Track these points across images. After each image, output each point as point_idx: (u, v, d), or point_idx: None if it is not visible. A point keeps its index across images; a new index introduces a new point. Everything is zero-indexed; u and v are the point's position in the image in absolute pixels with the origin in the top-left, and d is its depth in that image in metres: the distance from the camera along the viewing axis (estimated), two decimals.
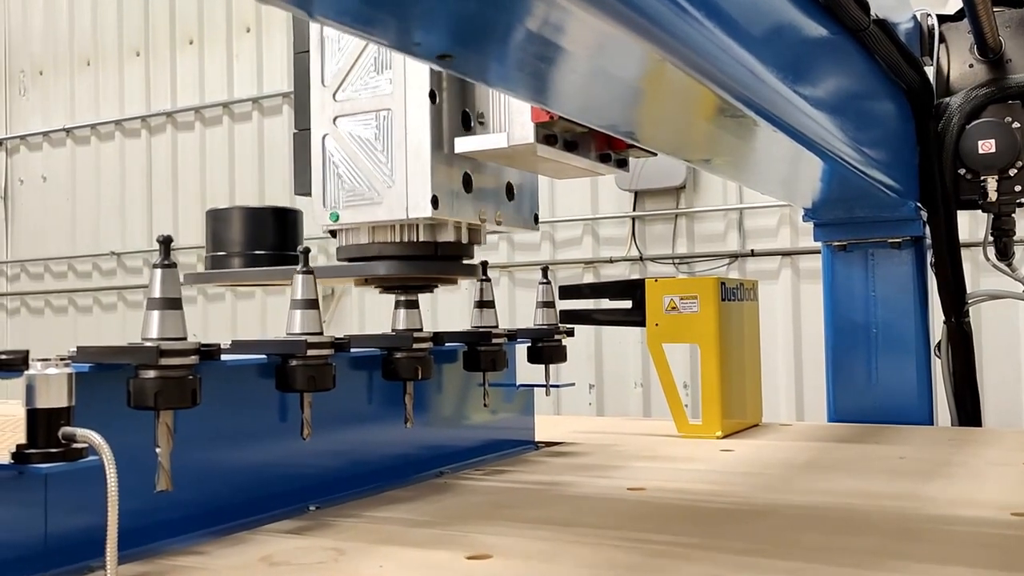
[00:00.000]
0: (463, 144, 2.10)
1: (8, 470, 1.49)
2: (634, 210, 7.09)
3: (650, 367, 6.44)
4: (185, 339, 1.67)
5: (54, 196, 9.86)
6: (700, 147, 2.51)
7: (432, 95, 2.10)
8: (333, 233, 2.29)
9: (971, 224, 5.53)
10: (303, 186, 2.28)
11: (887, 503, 2.13)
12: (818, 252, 6.39)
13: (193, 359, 1.67)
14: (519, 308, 7.12)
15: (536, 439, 3.11)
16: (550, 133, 2.08)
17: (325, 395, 2.00)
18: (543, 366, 2.95)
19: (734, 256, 6.72)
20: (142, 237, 9.18)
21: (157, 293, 1.66)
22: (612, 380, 7.02)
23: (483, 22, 1.33)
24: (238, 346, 2.00)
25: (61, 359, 1.53)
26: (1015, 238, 3.68)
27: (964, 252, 3.69)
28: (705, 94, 1.81)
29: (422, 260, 2.23)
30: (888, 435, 3.26)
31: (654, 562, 1.66)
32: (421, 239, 2.19)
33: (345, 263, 2.31)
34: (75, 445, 1.49)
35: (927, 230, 3.67)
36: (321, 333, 1.99)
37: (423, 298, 2.46)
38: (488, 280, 2.75)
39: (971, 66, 3.65)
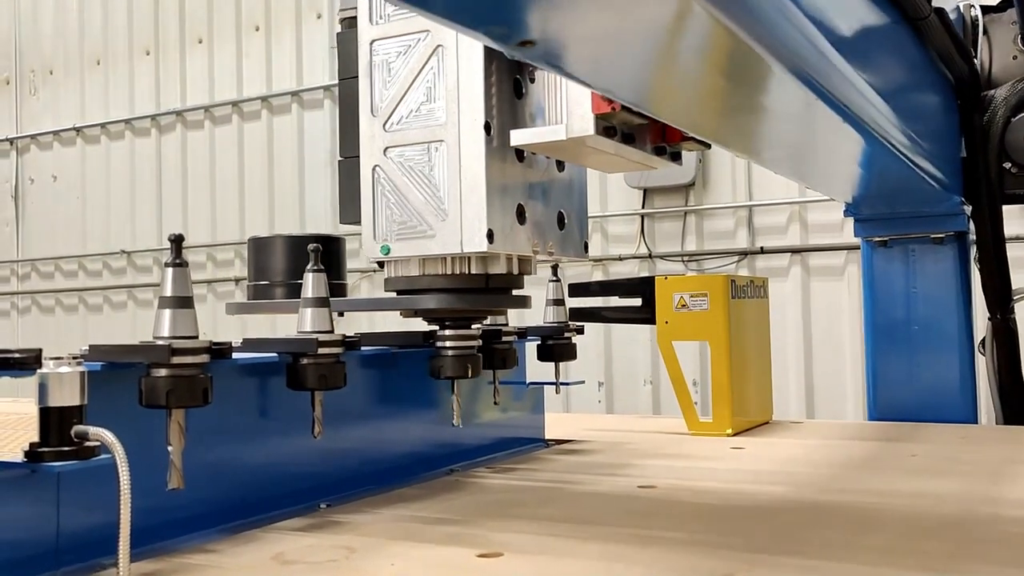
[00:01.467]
0: (519, 136, 2.03)
1: (21, 468, 1.49)
2: (643, 207, 7.08)
3: (659, 365, 6.43)
4: (197, 338, 1.67)
5: (64, 195, 9.90)
6: (754, 136, 2.45)
7: (487, 126, 2.02)
8: (380, 263, 2.22)
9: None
10: (350, 215, 2.23)
11: (900, 501, 2.12)
12: (827, 249, 6.42)
13: (205, 358, 1.67)
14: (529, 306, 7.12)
15: (546, 437, 3.11)
16: (609, 125, 2.00)
17: (336, 393, 2.00)
18: (553, 364, 2.95)
19: (744, 253, 6.71)
20: (152, 236, 9.21)
21: (169, 292, 1.66)
22: (622, 378, 7.02)
23: None
24: (249, 344, 2.00)
25: (73, 358, 1.54)
26: None
27: (1010, 247, 3.65)
28: (776, 77, 1.75)
29: (473, 293, 2.17)
30: (903, 433, 3.25)
31: (665, 559, 1.66)
32: (473, 272, 2.12)
33: (393, 295, 2.25)
34: (87, 443, 1.49)
35: (970, 225, 3.62)
36: (332, 331, 1.99)
37: None
38: None
39: (1015, 58, 3.61)
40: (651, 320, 3.37)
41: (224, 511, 1.92)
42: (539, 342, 2.93)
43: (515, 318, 2.78)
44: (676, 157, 2.28)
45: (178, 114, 9.13)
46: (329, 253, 2.41)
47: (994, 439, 3.15)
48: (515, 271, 2.21)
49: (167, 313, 1.66)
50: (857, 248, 5.93)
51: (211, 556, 1.71)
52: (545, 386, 3.06)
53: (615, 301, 3.67)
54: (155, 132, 9.31)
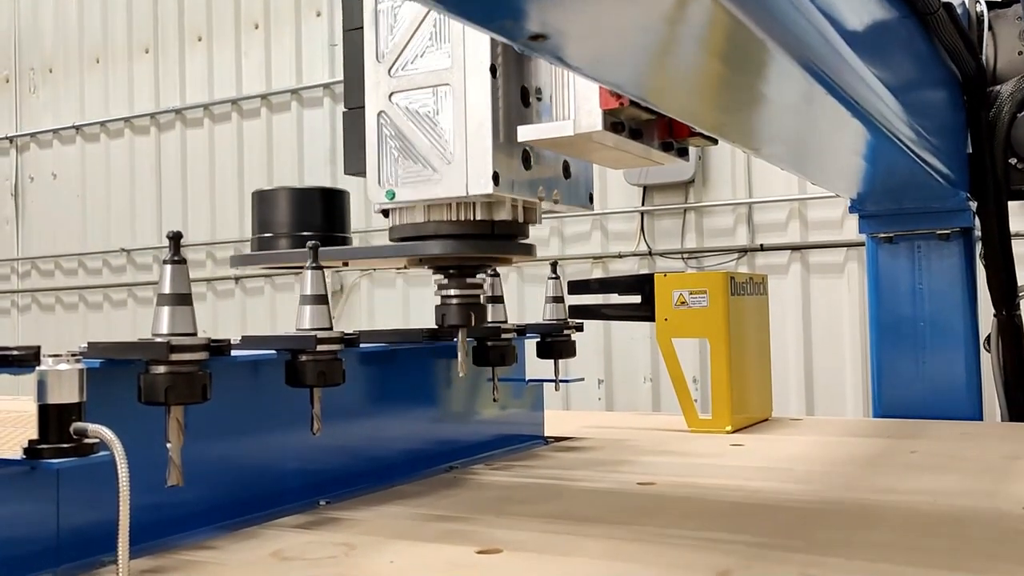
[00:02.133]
0: (526, 132, 2.01)
1: (20, 465, 1.50)
2: (643, 205, 7.08)
3: (659, 362, 6.43)
4: (195, 335, 1.67)
5: (64, 193, 9.90)
6: (759, 129, 2.42)
7: (493, 69, 2.01)
8: (385, 213, 2.21)
9: None
10: (354, 166, 2.24)
11: (900, 497, 2.12)
12: (826, 246, 6.42)
13: (203, 355, 1.67)
14: (528, 303, 7.12)
15: (546, 434, 3.11)
16: (617, 120, 1.97)
17: (335, 390, 2.01)
18: (552, 361, 2.95)
19: (743, 251, 6.71)
20: (152, 234, 9.21)
21: (167, 289, 1.66)
22: (621, 375, 7.02)
23: None
24: (248, 341, 2.00)
25: (72, 355, 1.54)
26: None
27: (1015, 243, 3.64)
28: (769, 56, 1.72)
29: (478, 239, 2.12)
30: (903, 430, 3.25)
31: (664, 556, 1.66)
32: (478, 217, 2.09)
33: (398, 243, 2.20)
34: (87, 440, 1.49)
35: (976, 221, 3.61)
36: (331, 328, 1.99)
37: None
38: (497, 275, 2.75)
39: (1020, 53, 3.59)
40: (651, 317, 3.37)
41: (223, 508, 1.92)
42: (538, 339, 2.93)
43: (515, 315, 2.78)
44: (683, 153, 2.25)
45: (177, 112, 9.13)
46: (333, 206, 2.48)
47: (995, 435, 3.15)
48: (520, 219, 2.18)
49: (166, 310, 1.66)
50: (857, 245, 5.95)
51: (210, 553, 1.72)
52: (544, 383, 3.06)
53: (615, 298, 3.67)
54: (154, 130, 9.30)
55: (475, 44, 2.02)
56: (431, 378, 2.64)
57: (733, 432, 3.19)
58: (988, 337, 3.70)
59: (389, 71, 2.13)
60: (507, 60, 2.05)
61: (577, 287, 3.63)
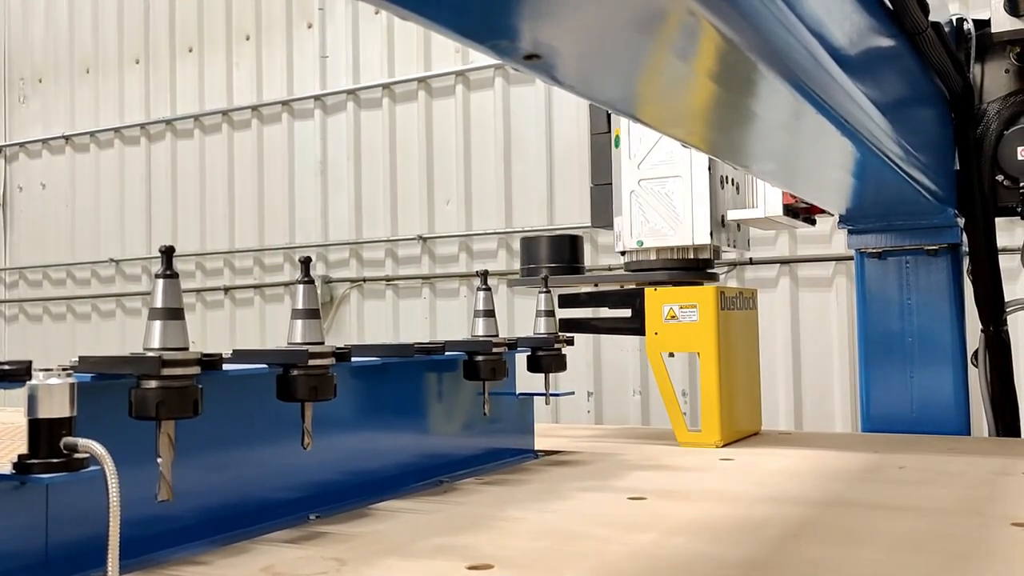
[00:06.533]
0: (734, 214, 3.50)
1: (9, 480, 1.49)
2: None
3: (648, 375, 6.43)
4: (187, 349, 1.67)
5: (53, 203, 9.86)
6: (747, 146, 2.51)
7: (709, 167, 3.37)
8: (623, 252, 3.51)
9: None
10: (602, 221, 3.62)
11: (889, 513, 2.13)
12: (816, 260, 6.44)
13: (195, 369, 1.67)
14: (518, 317, 7.12)
15: (536, 448, 3.11)
16: (788, 207, 3.44)
17: (326, 404, 2.01)
18: (543, 375, 2.96)
19: (732, 265, 6.73)
20: (141, 244, 9.18)
21: (159, 303, 1.66)
22: (611, 388, 7.02)
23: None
24: (239, 355, 2.00)
25: (63, 369, 1.53)
26: None
27: (1001, 258, 3.67)
28: (768, 85, 1.79)
29: (689, 269, 3.44)
30: (891, 444, 3.26)
31: (654, 571, 1.66)
32: (691, 257, 3.45)
33: (637, 272, 3.51)
34: (77, 455, 1.49)
35: (963, 237, 3.64)
36: (322, 343, 1.99)
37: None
38: (488, 289, 2.75)
39: (1007, 71, 3.63)
40: (641, 331, 3.38)
41: (214, 523, 1.92)
42: (529, 353, 2.93)
43: (505, 330, 2.79)
44: (813, 222, 3.80)
45: (168, 123, 9.11)
46: (575, 247, 3.76)
47: (983, 451, 3.16)
48: (712, 256, 3.46)
49: (157, 324, 1.65)
50: (846, 259, 5.97)
51: (201, 568, 1.71)
52: (535, 397, 3.06)
53: (605, 312, 3.68)
54: (145, 141, 9.29)
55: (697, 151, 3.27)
56: (422, 392, 2.64)
57: (723, 446, 3.19)
58: (976, 352, 3.72)
59: (638, 166, 3.46)
60: (713, 160, 3.35)
61: (568, 300, 3.63)
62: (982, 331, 3.67)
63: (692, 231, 3.34)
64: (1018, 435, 3.70)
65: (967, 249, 3.67)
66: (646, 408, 6.84)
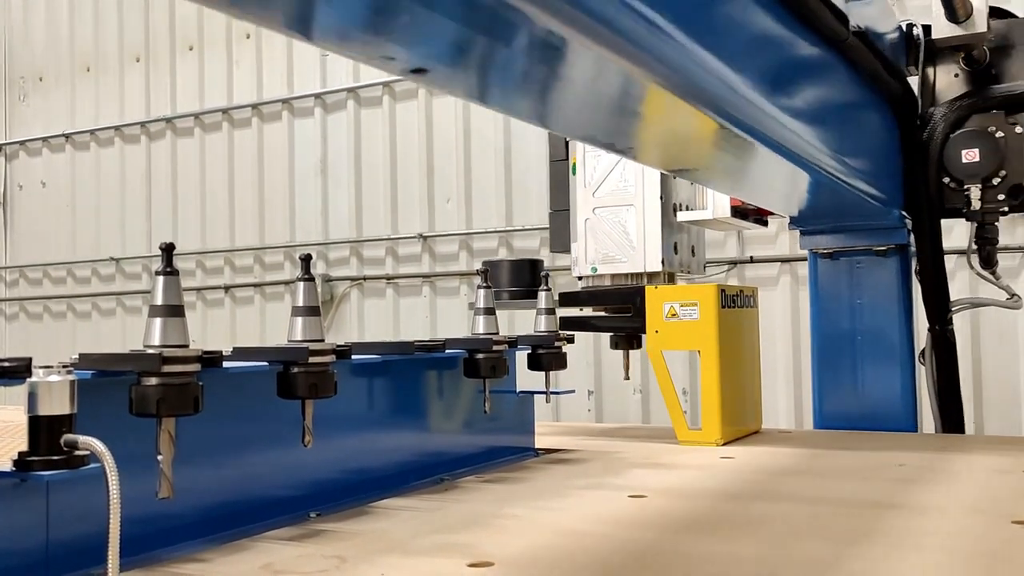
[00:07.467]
0: (683, 215, 3.57)
1: (10, 477, 1.49)
2: None
3: (649, 374, 6.43)
4: (187, 346, 1.67)
5: (54, 202, 9.86)
6: (690, 161, 2.61)
7: (661, 196, 3.45)
8: (580, 277, 3.60)
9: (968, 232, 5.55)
10: (560, 246, 3.69)
11: (888, 511, 2.13)
12: None
13: (196, 366, 1.66)
14: (519, 316, 7.12)
15: (536, 446, 3.11)
16: (737, 209, 3.53)
17: (326, 402, 2.00)
18: (543, 373, 2.95)
19: (733, 263, 6.73)
20: (141, 243, 9.18)
21: (160, 300, 1.66)
22: (611, 387, 7.02)
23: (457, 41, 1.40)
24: (240, 353, 2.00)
25: (63, 366, 1.53)
26: (999, 246, 3.71)
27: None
28: (688, 110, 1.87)
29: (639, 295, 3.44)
30: (887, 442, 3.26)
31: (656, 569, 1.66)
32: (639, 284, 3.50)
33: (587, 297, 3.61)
34: (77, 452, 1.49)
35: (912, 238, 3.70)
36: (323, 340, 1.98)
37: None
38: (489, 287, 2.75)
39: (956, 76, 3.70)
40: (641, 329, 3.38)
41: (214, 520, 1.92)
42: (529, 351, 2.93)
43: (506, 327, 2.79)
44: (765, 223, 3.88)
45: (168, 121, 9.11)
46: (535, 270, 3.79)
47: (982, 449, 3.16)
48: (667, 282, 3.54)
49: (158, 322, 1.65)
50: None
51: (201, 566, 1.71)
52: (535, 395, 3.06)
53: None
54: (145, 139, 9.29)
55: (650, 180, 3.46)
56: (422, 390, 2.64)
57: (723, 444, 3.19)
58: (923, 351, 3.79)
59: (593, 194, 3.56)
60: (665, 189, 3.49)
61: (568, 299, 3.63)
62: (929, 330, 3.74)
63: (644, 258, 3.45)
64: (963, 431, 3.78)
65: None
66: (647, 407, 6.84)
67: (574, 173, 3.62)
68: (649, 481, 2.55)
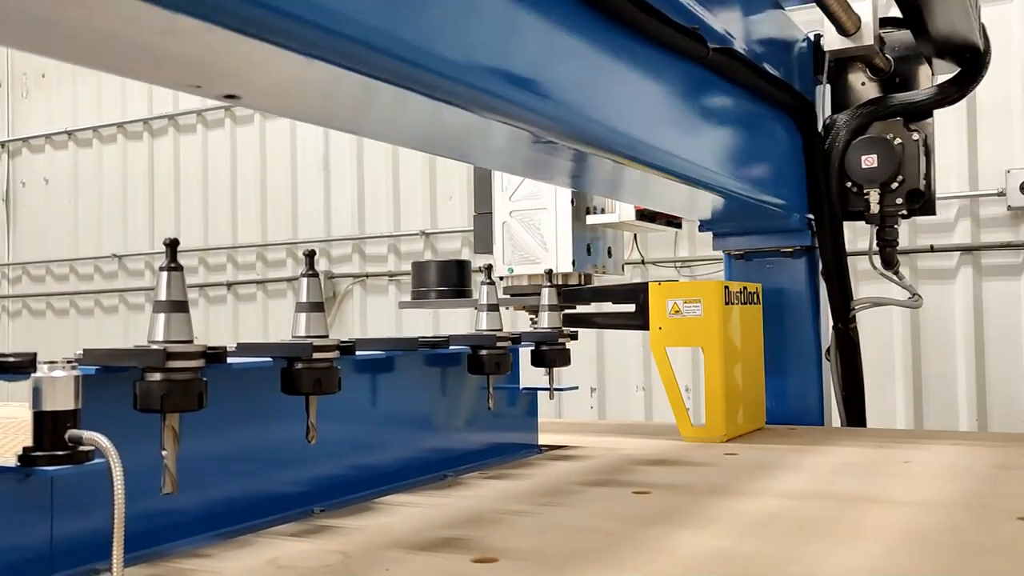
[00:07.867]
0: (593, 219, 3.75)
1: (14, 473, 1.49)
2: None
3: (652, 370, 6.43)
4: (192, 342, 1.67)
5: (56, 198, 9.86)
6: (604, 187, 2.96)
7: (572, 200, 3.68)
8: (501, 277, 3.77)
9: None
10: (483, 248, 3.85)
11: (894, 508, 2.12)
12: None
13: (200, 362, 1.66)
14: (520, 314, 7.11)
15: (540, 443, 3.11)
16: (642, 213, 3.71)
17: (330, 398, 2.00)
18: (546, 370, 2.95)
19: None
20: (144, 239, 9.19)
21: (163, 296, 1.65)
22: (614, 383, 7.02)
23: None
24: (244, 349, 2.00)
25: (68, 362, 1.53)
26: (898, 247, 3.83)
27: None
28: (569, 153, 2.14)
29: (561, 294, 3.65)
30: (896, 438, 3.26)
31: (659, 565, 1.66)
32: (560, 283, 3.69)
33: (510, 296, 3.82)
34: (81, 448, 1.48)
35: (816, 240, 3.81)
36: (327, 336, 1.98)
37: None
38: (492, 284, 2.75)
39: (863, 84, 3.85)
40: (644, 326, 3.38)
41: (218, 516, 1.92)
42: (533, 348, 2.93)
43: (509, 324, 2.78)
44: (679, 224, 4.19)
45: (170, 118, 9.11)
46: (463, 272, 4.04)
47: (987, 445, 3.16)
48: (583, 283, 3.77)
49: (162, 317, 1.65)
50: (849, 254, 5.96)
51: (205, 561, 1.71)
52: (538, 392, 3.06)
53: (608, 307, 3.70)
54: (147, 136, 9.29)
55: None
56: (426, 387, 2.64)
57: (727, 441, 3.19)
58: (828, 348, 3.86)
59: (510, 198, 3.77)
60: (577, 193, 3.68)
61: (571, 296, 3.63)
62: (833, 328, 3.82)
63: (557, 259, 3.67)
64: (864, 425, 3.89)
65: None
66: (650, 403, 6.84)
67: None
68: (653, 477, 2.55)
